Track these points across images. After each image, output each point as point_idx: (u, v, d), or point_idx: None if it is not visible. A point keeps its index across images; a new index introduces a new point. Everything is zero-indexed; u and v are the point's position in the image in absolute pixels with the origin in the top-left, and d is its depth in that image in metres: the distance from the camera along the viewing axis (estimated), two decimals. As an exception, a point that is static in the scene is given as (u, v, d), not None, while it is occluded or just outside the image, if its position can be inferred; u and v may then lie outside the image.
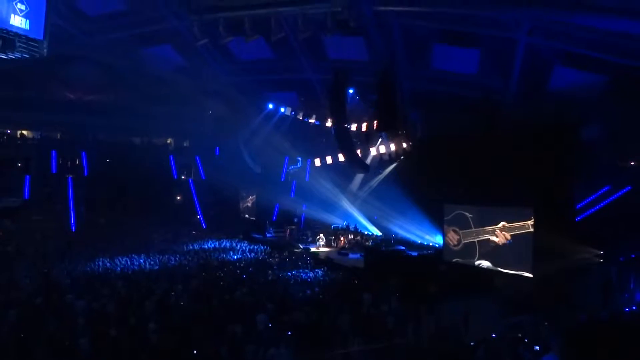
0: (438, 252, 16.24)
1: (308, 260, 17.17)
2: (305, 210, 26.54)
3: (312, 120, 24.91)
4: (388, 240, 20.01)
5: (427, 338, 7.94)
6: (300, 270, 14.81)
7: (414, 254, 16.55)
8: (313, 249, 20.87)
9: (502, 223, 12.98)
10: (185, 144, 30.41)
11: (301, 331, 7.79)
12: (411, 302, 9.79)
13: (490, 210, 13.91)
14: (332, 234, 22.74)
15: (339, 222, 24.29)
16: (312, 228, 24.42)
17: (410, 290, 11.13)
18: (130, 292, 10.51)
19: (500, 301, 9.40)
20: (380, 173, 22.80)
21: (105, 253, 15.66)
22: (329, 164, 24.71)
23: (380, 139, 22.26)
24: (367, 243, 20.79)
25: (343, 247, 21.33)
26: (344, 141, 18.62)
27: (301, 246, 20.85)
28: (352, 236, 22.15)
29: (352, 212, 23.99)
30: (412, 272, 12.85)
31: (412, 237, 19.37)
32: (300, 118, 25.07)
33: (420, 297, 10.03)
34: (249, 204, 28.21)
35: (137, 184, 23.86)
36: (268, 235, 24.36)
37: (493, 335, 7.68)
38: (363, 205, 23.28)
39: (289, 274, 14.07)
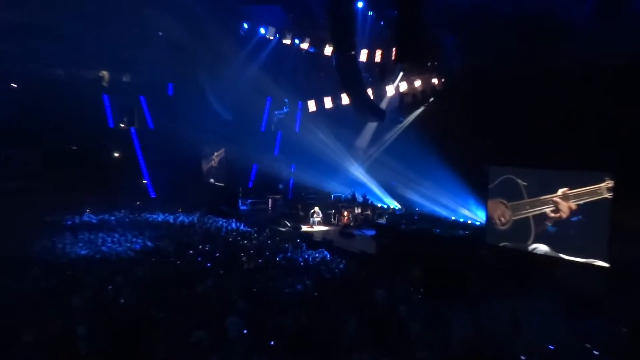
0: (478, 232, 16.56)
1: (298, 242, 17.52)
2: (294, 173, 27.31)
3: (304, 46, 24.67)
4: (410, 215, 20.48)
5: (462, 350, 7.69)
6: (288, 254, 15.13)
7: (446, 235, 16.87)
8: (305, 228, 21.29)
9: (563, 189, 13.09)
10: (125, 79, 29.84)
11: (288, 341, 7.65)
12: (441, 301, 9.82)
13: (551, 175, 14.02)
14: (332, 206, 23.33)
15: (341, 190, 25.10)
16: (304, 199, 25.19)
17: (440, 285, 11.23)
18: (51, 284, 10.49)
19: (563, 299, 9.42)
20: (399, 122, 23.10)
21: (14, 231, 15.55)
22: (328, 109, 24.92)
23: (400, 74, 22.17)
24: (380, 220, 21.24)
25: (347, 225, 21.73)
26: (350, 76, 18.38)
27: (288, 224, 21.18)
28: (360, 210, 22.66)
29: (360, 176, 24.56)
30: (443, 260, 13.17)
31: (443, 212, 19.81)
32: (288, 43, 24.66)
33: (453, 295, 10.03)
34: (216, 164, 28.66)
35: (57, 135, 23.69)
36: (242, 207, 24.95)
37: (551, 346, 7.61)
38: (375, 168, 23.75)
39: (277, 257, 14.44)
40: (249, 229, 19.61)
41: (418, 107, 22.42)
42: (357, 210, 22.65)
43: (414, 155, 20.55)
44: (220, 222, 21.29)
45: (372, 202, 23.48)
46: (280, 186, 26.76)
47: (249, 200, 25.84)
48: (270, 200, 25.43)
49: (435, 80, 21.22)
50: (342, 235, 20.15)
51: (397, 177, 22.47)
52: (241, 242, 16.99)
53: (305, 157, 25.00)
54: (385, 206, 23.38)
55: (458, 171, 18.38)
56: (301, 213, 23.55)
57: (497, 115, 16.68)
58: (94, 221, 20.58)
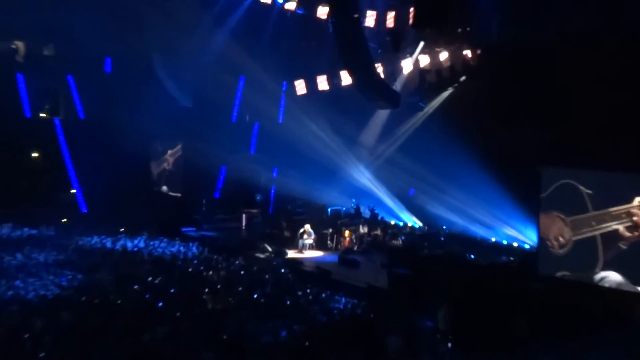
0: (528, 258, 16.63)
1: (282, 272, 17.50)
2: (277, 179, 27.21)
3: (290, 6, 24.60)
4: (434, 236, 20.58)
5: None
6: (268, 290, 15.21)
7: (483, 262, 16.91)
8: (292, 254, 21.37)
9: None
10: (46, 52, 29.55)
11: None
12: (477, 353, 9.75)
13: (625, 180, 14.10)
14: (329, 224, 23.36)
15: (341, 202, 25.11)
16: (290, 214, 25.08)
17: (476, 331, 11.27)
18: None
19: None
20: (419, 109, 23.21)
21: None
22: (323, 92, 24.86)
23: (421, 44, 22.22)
24: (394, 242, 21.30)
25: (349, 250, 21.80)
26: (353, 47, 18.40)
27: (269, 248, 21.31)
28: (367, 229, 22.69)
29: (367, 183, 24.55)
30: (480, 297, 13.30)
31: (480, 231, 19.94)
32: (269, 1, 24.61)
33: (493, 345, 10.02)
34: (170, 167, 28.67)
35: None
36: (206, 226, 25.09)
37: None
38: (387, 171, 23.78)
39: (253, 294, 14.52)
40: (216, 256, 19.55)
41: (444, 89, 22.49)
42: (363, 229, 22.54)
43: (439, 155, 20.62)
44: (177, 246, 21.21)
45: (382, 217, 23.42)
46: (258, 197, 26.74)
47: (216, 217, 25.84)
48: (244, 216, 25.42)
49: (467, 53, 21.25)
50: (342, 264, 19.81)
51: (417, 184, 22.47)
52: (205, 274, 16.91)
53: (292, 157, 24.96)
54: (401, 223, 23.37)
55: (499, 175, 18.47)
56: (286, 233, 23.49)
57: (552, 100, 16.77)
58: (4, 244, 20.50)
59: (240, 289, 15.03)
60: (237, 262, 18.76)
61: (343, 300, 15.06)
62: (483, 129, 19.41)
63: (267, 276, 16.69)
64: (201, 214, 25.88)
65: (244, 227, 25.26)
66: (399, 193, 23.72)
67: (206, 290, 14.67)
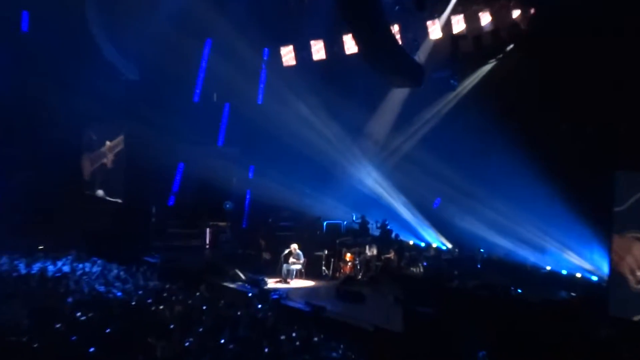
0: (595, 294, 16.74)
1: (260, 308, 17.51)
2: (254, 181, 27.73)
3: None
4: (468, 262, 20.85)
5: None
6: (240, 333, 14.97)
7: (534, 299, 16.93)
8: (273, 282, 21.56)
9: None
10: None
11: None
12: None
13: None
14: (324, 243, 23.59)
15: (340, 214, 25.46)
16: (271, 229, 25.39)
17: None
18: None
19: None
20: (451, 89, 23.39)
21: None
22: (319, 64, 25.08)
23: (452, 2, 22.33)
24: (412, 269, 21.53)
25: (350, 279, 21.99)
26: (360, 4, 18.32)
27: (241, 275, 21.47)
28: (375, 251, 22.91)
29: (377, 188, 24.96)
30: (529, 346, 13.51)
31: (530, 257, 20.06)
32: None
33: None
34: (110, 164, 28.68)
35: None
36: (157, 245, 25.31)
37: None
38: (404, 173, 24.08)
39: (220, 339, 14.24)
40: (169, 285, 19.48)
41: (484, 62, 22.68)
42: (371, 251, 22.58)
43: (476, 152, 21.12)
44: (115, 271, 21.17)
45: (397, 235, 23.39)
46: (228, 205, 26.85)
47: (170, 231, 26.13)
48: (208, 231, 25.68)
49: (515, 14, 21.28)
50: (341, 297, 19.91)
51: (445, 191, 22.73)
52: (153, 309, 16.84)
53: (274, 151, 25.28)
54: (423, 244, 23.57)
55: (557, 182, 18.53)
56: (266, 256, 23.64)
57: (631, 80, 16.70)
58: None
59: (201, 330, 14.89)
60: (197, 293, 18.70)
61: (342, 348, 14.89)
62: (535, 118, 19.37)
63: (238, 313, 16.60)
64: (149, 228, 26.01)
65: (207, 246, 25.41)
66: (420, 203, 23.92)
67: (155, 332, 14.51)
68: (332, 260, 22.83)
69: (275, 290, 20.53)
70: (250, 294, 19.43)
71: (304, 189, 24.96)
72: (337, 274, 22.57)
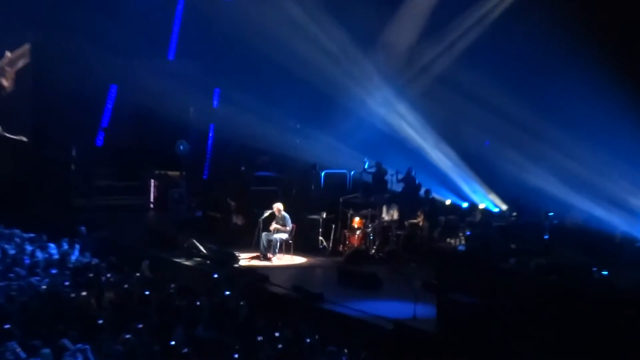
0: None
1: (228, 296, 17.46)
2: (220, 111, 28.31)
3: None
4: (530, 229, 20.50)
5: None
6: (200, 331, 14.97)
7: (624, 283, 16.28)
8: (247, 259, 21.74)
9: None
10: None
11: None
12: None
13: None
14: (322, 203, 23.86)
15: (346, 159, 25.72)
16: (243, 180, 25.57)
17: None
18: None
19: None
20: None
21: None
22: None
23: None
24: (450, 240, 21.27)
25: (359, 254, 22.04)
26: None
27: (202, 248, 21.39)
28: (396, 214, 23.13)
29: (399, 124, 24.99)
30: (618, 350, 13.83)
31: (620, 224, 19.65)
32: None
33: None
34: (8, 84, 28.62)
35: None
36: (78, 207, 25.55)
37: None
38: (439, 101, 24.38)
39: (169, 340, 14.22)
40: (96, 262, 19.49)
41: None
42: (389, 215, 22.75)
43: (542, 71, 21.15)
44: (17, 240, 21.27)
45: (428, 191, 23.24)
46: (182, 147, 26.81)
47: (98, 184, 26.39)
48: (153, 185, 26.05)
49: None
50: (346, 281, 20.16)
51: (497, 128, 22.78)
52: (73, 296, 16.83)
53: (249, 67, 25.54)
54: (465, 204, 23.56)
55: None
56: (237, 220, 23.73)
57: None
58: None
59: (141, 326, 14.75)
60: (137, 274, 18.71)
61: (346, 354, 14.80)
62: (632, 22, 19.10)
63: (197, 303, 16.55)
64: (68, 179, 26.12)
65: (152, 206, 25.78)
66: (461, 145, 23.95)
67: (75, 329, 14.40)
68: (334, 227, 22.90)
69: (250, 269, 20.62)
70: (214, 275, 19.35)
71: (292, 123, 24.93)
72: (341, 248, 22.67)
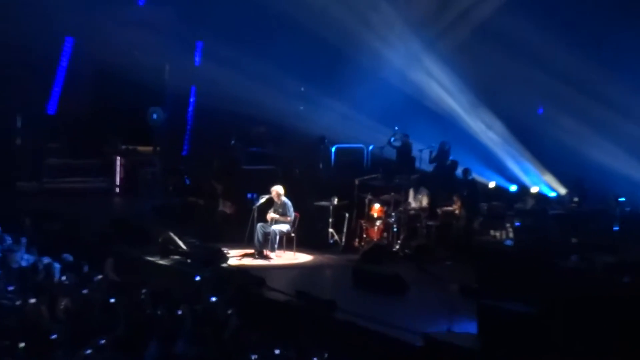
0: None
1: (214, 303, 17.23)
2: (203, 69, 28.32)
3: None
4: (597, 218, 20.52)
5: None
6: (179, 347, 14.81)
7: None
8: (237, 257, 21.72)
9: None
10: None
11: None
12: None
13: None
14: (332, 187, 23.78)
15: (363, 132, 25.91)
16: (230, 159, 25.52)
17: None
18: None
19: None
20: None
21: None
22: None
23: None
24: (494, 232, 21.47)
25: (379, 250, 21.98)
26: None
27: (180, 243, 21.00)
28: (425, 199, 23.08)
29: (428, 85, 25.00)
30: None
31: None
32: None
33: None
34: None
35: None
36: (25, 191, 25.71)
37: None
38: (478, 55, 24.39)
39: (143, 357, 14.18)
40: (48, 261, 19.30)
41: None
42: (418, 200, 22.71)
43: (610, 19, 20.91)
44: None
45: (467, 171, 23.11)
46: (155, 116, 26.81)
47: (51, 162, 26.41)
48: (119, 163, 26.14)
49: None
50: (364, 285, 19.89)
51: (555, 91, 22.91)
52: (19, 304, 16.75)
53: (239, 13, 25.49)
54: (514, 187, 23.51)
55: None
56: (225, 207, 23.62)
57: None
58: None
59: (103, 342, 14.73)
60: (99, 276, 18.61)
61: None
62: None
63: (179, 312, 16.44)
64: (13, 157, 26.17)
65: (118, 190, 25.93)
66: (509, 112, 23.86)
67: (23, 343, 14.33)
68: (348, 216, 22.84)
69: (242, 270, 20.45)
70: (196, 278, 19.18)
71: (295, 85, 24.81)
72: (357, 242, 22.60)
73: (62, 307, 16.76)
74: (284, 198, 22.04)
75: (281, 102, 24.82)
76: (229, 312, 17.04)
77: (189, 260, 20.80)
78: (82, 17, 27.01)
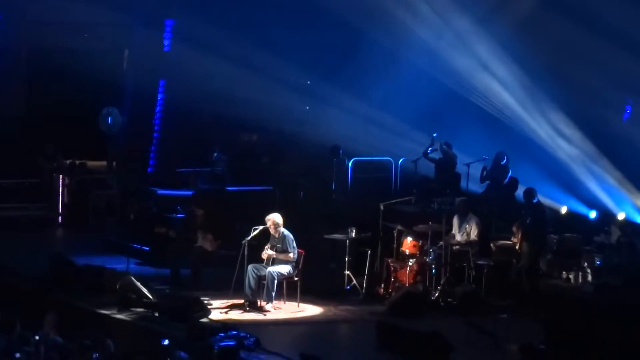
0: None
1: None
2: (173, 55, 28.37)
3: None
4: None
5: None
6: None
7: None
8: (221, 309, 21.67)
9: None
10: None
11: None
12: None
13: None
14: (347, 214, 24.02)
15: (387, 140, 26.06)
16: (210, 174, 25.97)
17: None
18: None
19: None
20: None
21: None
22: None
23: None
24: (567, 274, 21.74)
25: (412, 299, 21.64)
26: None
27: (145, 292, 20.91)
28: (475, 230, 22.78)
29: (480, 77, 25.19)
30: None
31: None
32: None
33: None
34: None
35: None
36: None
37: None
38: (543, 36, 24.55)
39: None
40: None
41: None
42: (463, 234, 22.47)
43: None
44: None
45: (530, 191, 23.08)
46: (109, 119, 26.59)
47: None
48: (61, 182, 26.32)
49: None
50: (394, 347, 19.82)
51: None
52: None
53: None
54: (593, 214, 23.54)
55: None
56: (205, 244, 23.49)
57: None
58: None
59: None
60: (36, 337, 18.39)
61: None
62: None
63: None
64: None
65: (60, 219, 26.19)
66: (584, 114, 24.04)
67: None
68: (370, 253, 22.80)
69: (226, 327, 20.30)
70: (164, 341, 19.04)
71: (299, 77, 24.64)
72: (382, 289, 22.56)
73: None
74: (283, 229, 21.92)
75: (280, 99, 24.80)
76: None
77: (156, 314, 20.70)
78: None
